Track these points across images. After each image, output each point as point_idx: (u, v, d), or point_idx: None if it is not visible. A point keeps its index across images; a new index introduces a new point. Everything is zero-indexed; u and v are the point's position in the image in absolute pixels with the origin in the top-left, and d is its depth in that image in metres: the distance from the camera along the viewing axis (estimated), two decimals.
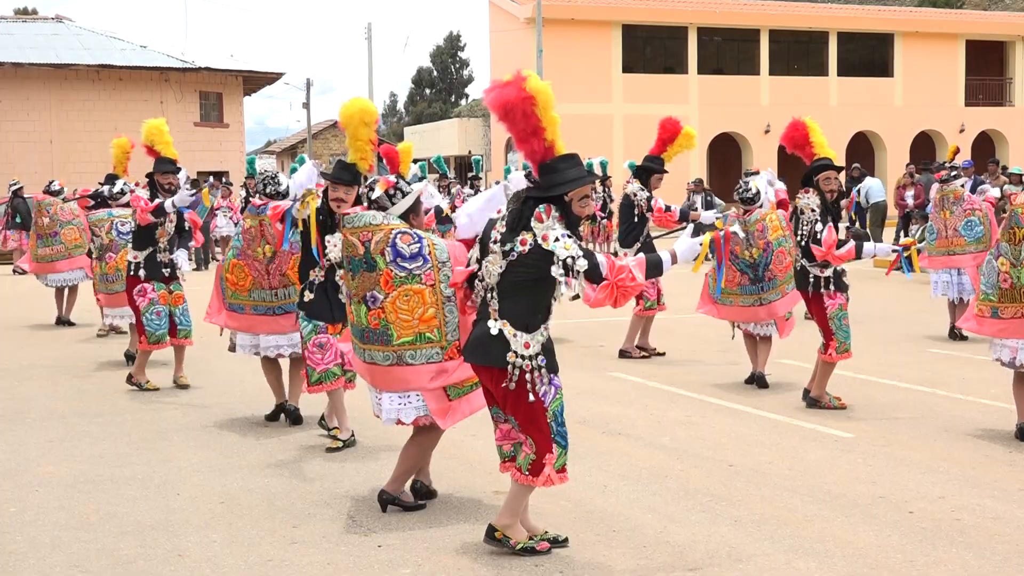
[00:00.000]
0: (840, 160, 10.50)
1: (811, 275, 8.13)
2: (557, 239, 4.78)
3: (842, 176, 8.97)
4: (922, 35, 42.09)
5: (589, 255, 4.80)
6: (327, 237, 6.77)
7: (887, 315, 13.76)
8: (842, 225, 8.46)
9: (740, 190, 9.18)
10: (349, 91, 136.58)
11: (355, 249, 5.58)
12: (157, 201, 9.14)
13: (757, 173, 9.62)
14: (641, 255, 5.04)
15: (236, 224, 19.72)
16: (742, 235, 8.96)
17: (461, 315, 5.43)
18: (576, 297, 5.09)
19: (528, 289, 4.89)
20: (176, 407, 8.72)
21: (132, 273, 9.37)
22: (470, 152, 41.24)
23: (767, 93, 40.46)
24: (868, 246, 8.08)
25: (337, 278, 6.88)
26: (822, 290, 8.13)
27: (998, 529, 5.45)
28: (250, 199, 8.45)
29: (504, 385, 4.92)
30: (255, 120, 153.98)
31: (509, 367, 4.89)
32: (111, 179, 11.87)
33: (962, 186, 11.74)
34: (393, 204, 5.63)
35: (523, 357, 4.88)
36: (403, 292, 5.44)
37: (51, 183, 15.03)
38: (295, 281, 7.63)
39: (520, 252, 4.84)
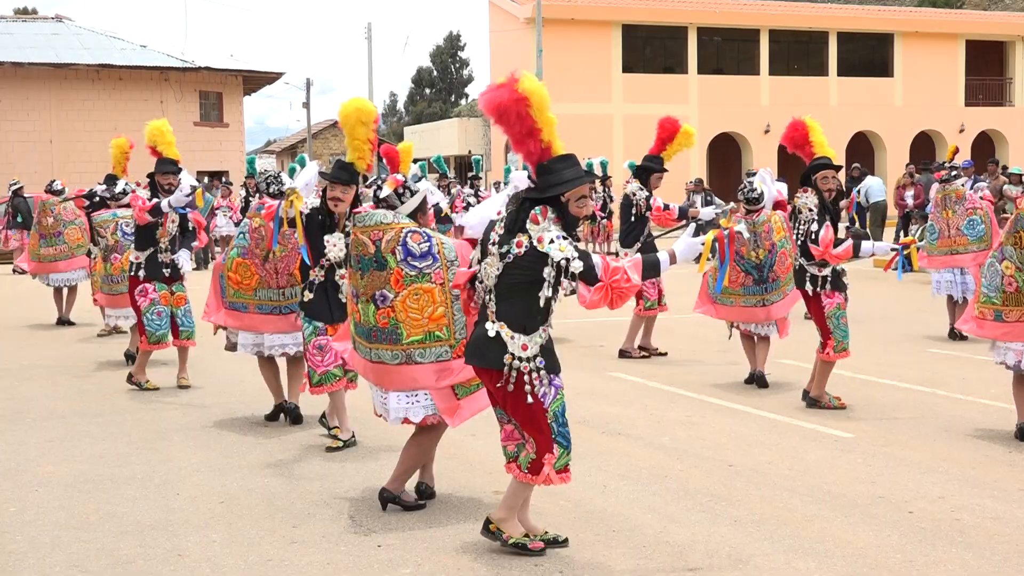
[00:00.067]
0: (840, 160, 10.48)
1: (808, 274, 8.14)
2: (552, 241, 4.78)
3: (841, 176, 8.97)
4: (922, 35, 42.07)
5: (585, 256, 4.79)
6: (326, 237, 6.77)
7: (887, 315, 13.76)
8: (842, 225, 8.46)
9: (744, 191, 9.16)
10: (349, 91, 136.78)
11: (365, 248, 5.58)
12: (154, 201, 9.15)
13: (756, 174, 9.62)
14: (638, 256, 5.03)
15: (236, 224, 19.73)
16: (747, 235, 8.96)
17: (466, 316, 5.43)
18: (573, 292, 5.08)
19: (524, 291, 4.88)
20: (176, 407, 8.72)
21: (133, 273, 9.38)
22: (470, 152, 41.20)
23: (767, 93, 40.45)
24: (866, 245, 8.09)
25: (337, 278, 6.88)
26: (819, 289, 8.13)
27: (998, 529, 5.45)
28: (250, 199, 8.45)
29: (500, 386, 4.92)
30: (255, 120, 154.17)
31: (505, 369, 4.88)
32: (110, 179, 11.86)
33: (963, 185, 11.76)
34: (402, 203, 5.64)
35: (520, 359, 4.87)
36: (413, 291, 5.46)
37: (52, 183, 15.02)
38: (300, 281, 7.64)
39: (516, 254, 4.83)
